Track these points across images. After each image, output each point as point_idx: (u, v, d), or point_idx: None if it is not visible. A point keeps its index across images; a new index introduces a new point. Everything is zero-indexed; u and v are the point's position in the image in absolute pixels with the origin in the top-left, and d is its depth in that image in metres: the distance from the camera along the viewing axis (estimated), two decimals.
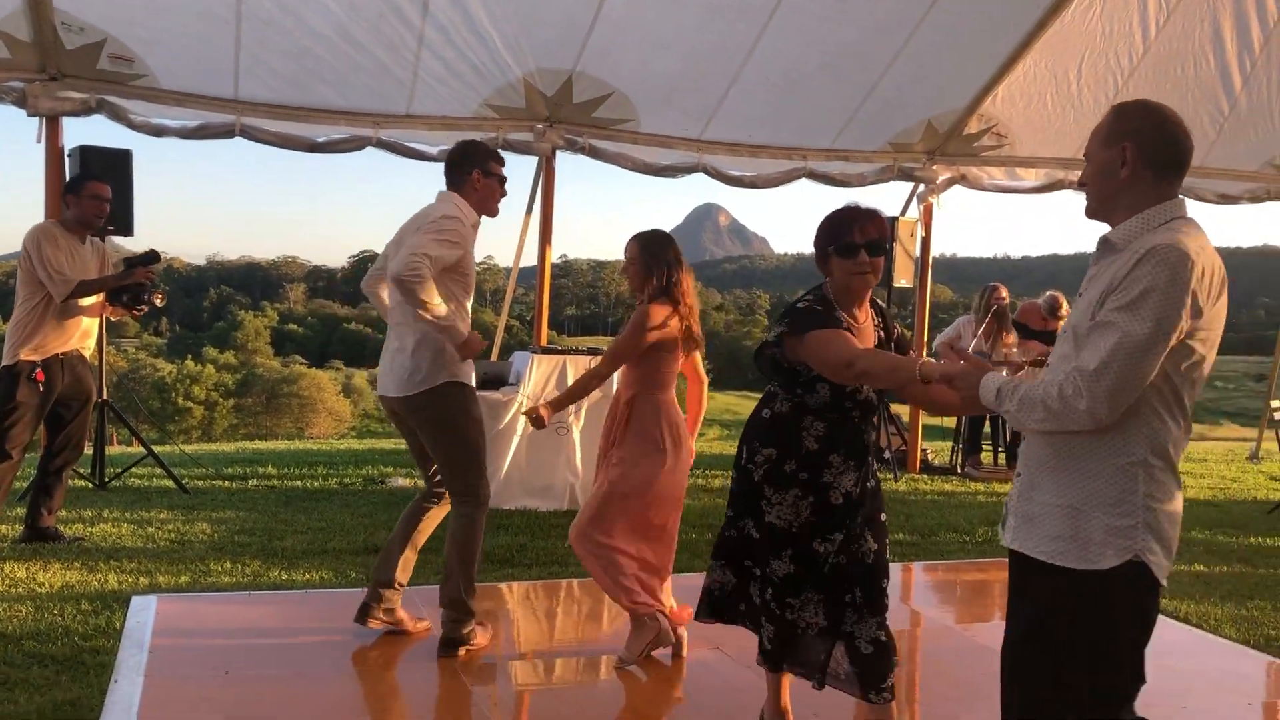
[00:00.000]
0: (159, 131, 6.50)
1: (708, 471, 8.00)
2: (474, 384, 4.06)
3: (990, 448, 9.10)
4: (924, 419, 8.90)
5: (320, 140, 6.90)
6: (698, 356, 4.19)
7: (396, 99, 6.87)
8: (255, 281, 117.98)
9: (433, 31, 6.40)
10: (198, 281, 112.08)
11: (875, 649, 2.97)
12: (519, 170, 6.37)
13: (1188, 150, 2.21)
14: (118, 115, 6.31)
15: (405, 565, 4.12)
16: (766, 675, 3.25)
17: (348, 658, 3.95)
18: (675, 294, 3.92)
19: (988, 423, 8.95)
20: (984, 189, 8.62)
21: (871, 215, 2.98)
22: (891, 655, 3.00)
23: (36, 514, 5.32)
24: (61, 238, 5.15)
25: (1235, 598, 5.20)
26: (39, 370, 5.07)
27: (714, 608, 3.27)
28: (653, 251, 3.96)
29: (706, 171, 7.82)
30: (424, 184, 4.84)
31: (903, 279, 8.42)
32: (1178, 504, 2.19)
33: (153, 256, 5.54)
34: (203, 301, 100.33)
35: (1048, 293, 8.80)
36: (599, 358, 4.38)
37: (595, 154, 7.47)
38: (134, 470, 7.08)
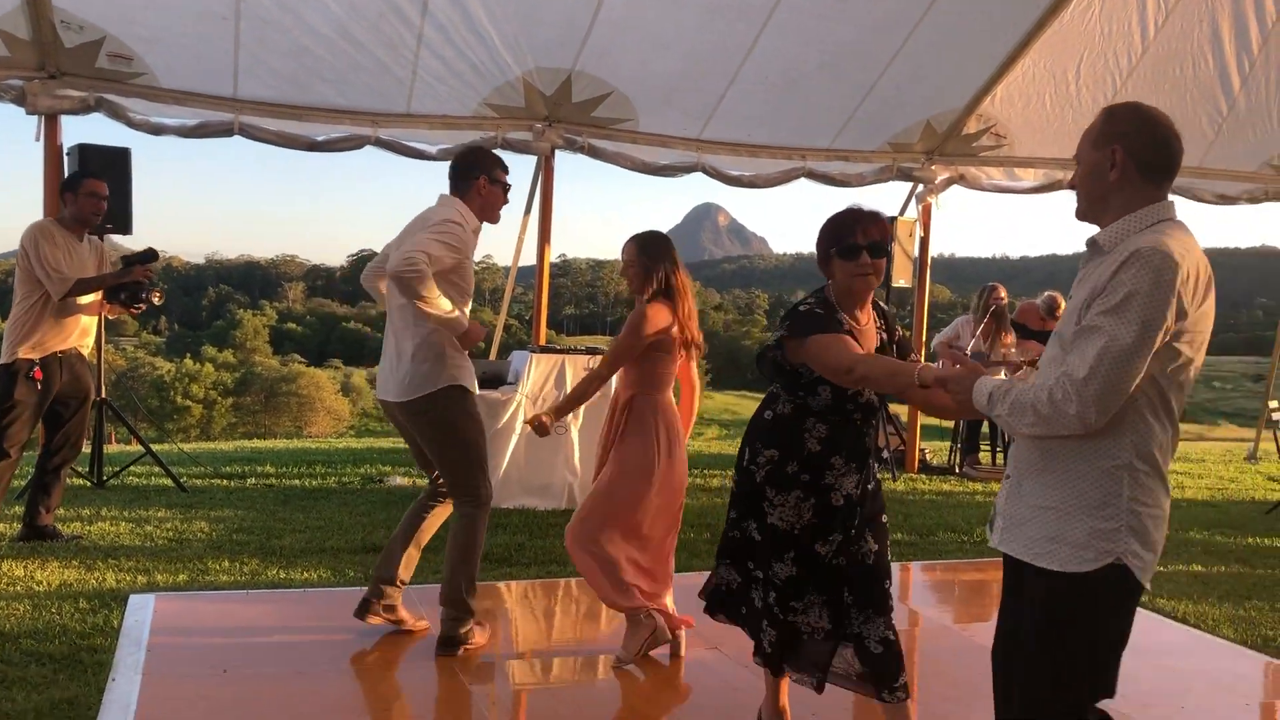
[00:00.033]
0: (158, 130, 6.51)
1: (706, 471, 8.01)
2: (475, 390, 4.06)
3: (989, 448, 9.11)
4: (922, 419, 8.91)
5: (319, 139, 6.90)
6: (693, 363, 4.21)
7: (396, 98, 6.87)
8: (254, 280, 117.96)
9: (432, 30, 6.41)
10: (196, 280, 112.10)
11: (885, 648, 2.99)
12: (518, 170, 6.36)
13: (1178, 153, 2.21)
14: (116, 113, 6.31)
15: (408, 563, 4.12)
16: (765, 675, 3.26)
17: (346, 657, 3.95)
18: (674, 295, 3.95)
19: (986, 423, 8.96)
20: (983, 189, 8.63)
21: (874, 217, 2.99)
22: (900, 654, 3.02)
23: (34, 512, 5.31)
24: (59, 236, 5.14)
25: (1233, 598, 5.20)
26: (37, 368, 5.07)
27: (722, 603, 3.29)
28: (651, 253, 3.98)
29: (705, 171, 7.83)
30: (423, 183, 4.86)
31: (901, 279, 8.42)
32: (1164, 507, 2.19)
33: (151, 255, 5.54)
34: (201, 300, 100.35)
35: (1046, 293, 8.81)
36: (598, 357, 4.39)
37: (594, 153, 7.48)
38: (132, 469, 7.07)
